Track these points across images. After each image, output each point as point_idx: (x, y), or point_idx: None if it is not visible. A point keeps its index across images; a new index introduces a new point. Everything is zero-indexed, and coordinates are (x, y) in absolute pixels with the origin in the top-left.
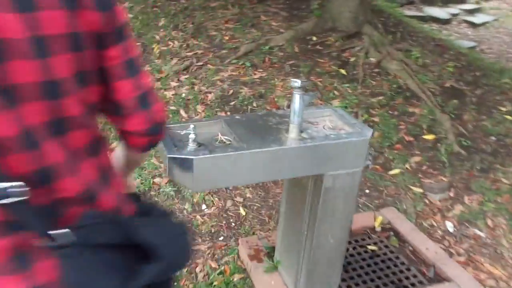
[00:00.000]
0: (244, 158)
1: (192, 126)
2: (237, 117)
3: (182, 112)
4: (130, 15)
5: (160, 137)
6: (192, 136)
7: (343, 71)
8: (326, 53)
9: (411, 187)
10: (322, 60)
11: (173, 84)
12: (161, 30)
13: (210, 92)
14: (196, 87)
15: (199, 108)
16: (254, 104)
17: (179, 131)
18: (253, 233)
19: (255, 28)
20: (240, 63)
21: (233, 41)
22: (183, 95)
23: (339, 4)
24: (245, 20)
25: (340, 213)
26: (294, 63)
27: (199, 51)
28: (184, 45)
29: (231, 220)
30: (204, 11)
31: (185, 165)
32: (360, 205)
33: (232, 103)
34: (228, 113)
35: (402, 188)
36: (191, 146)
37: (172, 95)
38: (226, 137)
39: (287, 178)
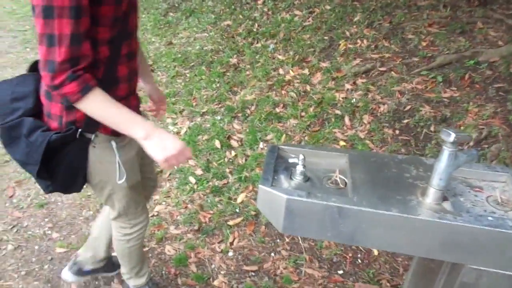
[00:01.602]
0: (347, 215)
1: (301, 156)
2: (368, 155)
3: (346, 119)
4: (328, 7)
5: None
6: (300, 168)
7: None
8: None
9: None
10: None
11: (347, 86)
12: (354, 26)
13: (383, 103)
14: (370, 95)
15: (366, 118)
16: (432, 129)
17: (292, 156)
18: (378, 282)
19: (464, 37)
20: (430, 76)
21: (431, 48)
22: (353, 100)
23: None
24: (455, 25)
25: None
26: (503, 87)
27: (387, 55)
28: (373, 46)
29: (359, 256)
30: (408, 10)
31: (276, 201)
32: None
33: (405, 121)
34: (397, 131)
35: None
36: (296, 179)
37: (342, 98)
38: (343, 178)
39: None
